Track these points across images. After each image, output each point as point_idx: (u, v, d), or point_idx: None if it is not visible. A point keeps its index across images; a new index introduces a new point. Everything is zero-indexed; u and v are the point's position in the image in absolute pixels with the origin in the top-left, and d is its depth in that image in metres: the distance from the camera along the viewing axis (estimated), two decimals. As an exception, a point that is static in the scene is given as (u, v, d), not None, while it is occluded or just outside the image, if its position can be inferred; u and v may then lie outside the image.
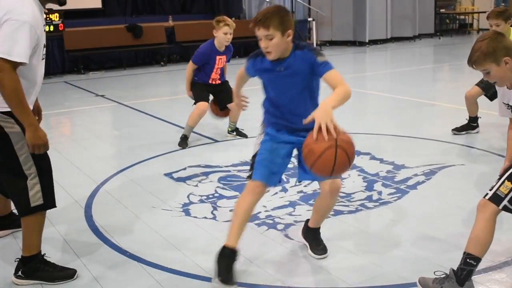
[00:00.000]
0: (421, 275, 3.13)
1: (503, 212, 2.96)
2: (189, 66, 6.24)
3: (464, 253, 2.95)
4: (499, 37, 3.01)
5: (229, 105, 6.18)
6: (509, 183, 2.93)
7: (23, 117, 3.06)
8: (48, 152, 3.24)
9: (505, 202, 2.92)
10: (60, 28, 12.39)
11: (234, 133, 6.66)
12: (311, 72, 3.23)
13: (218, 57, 6.21)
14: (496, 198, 2.94)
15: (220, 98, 6.28)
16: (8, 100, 3.00)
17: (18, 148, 3.15)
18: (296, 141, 3.30)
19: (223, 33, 6.08)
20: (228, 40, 6.15)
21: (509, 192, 2.92)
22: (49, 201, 3.29)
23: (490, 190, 2.98)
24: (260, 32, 3.17)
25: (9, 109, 3.07)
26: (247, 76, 3.56)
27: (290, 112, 3.34)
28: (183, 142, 6.27)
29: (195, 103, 6.27)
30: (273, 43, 3.17)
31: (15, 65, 2.94)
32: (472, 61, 3.02)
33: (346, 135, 2.95)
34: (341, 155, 2.89)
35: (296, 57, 3.27)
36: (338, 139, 2.86)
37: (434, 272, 3.14)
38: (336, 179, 3.37)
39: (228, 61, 6.37)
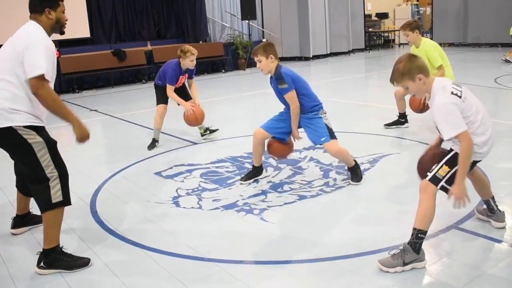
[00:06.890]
0: (377, 247, 3.15)
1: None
2: (170, 89, 6.06)
3: (415, 229, 2.92)
4: (412, 58, 2.95)
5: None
6: (447, 167, 2.93)
7: (68, 118, 3.10)
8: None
9: (442, 183, 2.92)
10: (56, 55, 12.09)
11: (208, 132, 6.54)
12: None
13: (181, 77, 6.14)
14: (435, 180, 2.94)
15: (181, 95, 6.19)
16: (51, 109, 3.03)
17: (40, 156, 3.09)
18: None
19: (190, 61, 5.98)
20: (194, 65, 6.08)
21: (445, 175, 2.92)
22: (67, 199, 3.22)
23: (430, 172, 2.97)
24: (255, 59, 4.25)
25: (30, 124, 3.03)
26: None
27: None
28: (151, 144, 6.22)
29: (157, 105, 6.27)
30: (261, 64, 4.23)
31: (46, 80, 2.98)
32: (393, 80, 2.99)
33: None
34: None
35: (273, 79, 4.32)
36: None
37: (388, 253, 3.01)
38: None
39: (191, 77, 6.23)
